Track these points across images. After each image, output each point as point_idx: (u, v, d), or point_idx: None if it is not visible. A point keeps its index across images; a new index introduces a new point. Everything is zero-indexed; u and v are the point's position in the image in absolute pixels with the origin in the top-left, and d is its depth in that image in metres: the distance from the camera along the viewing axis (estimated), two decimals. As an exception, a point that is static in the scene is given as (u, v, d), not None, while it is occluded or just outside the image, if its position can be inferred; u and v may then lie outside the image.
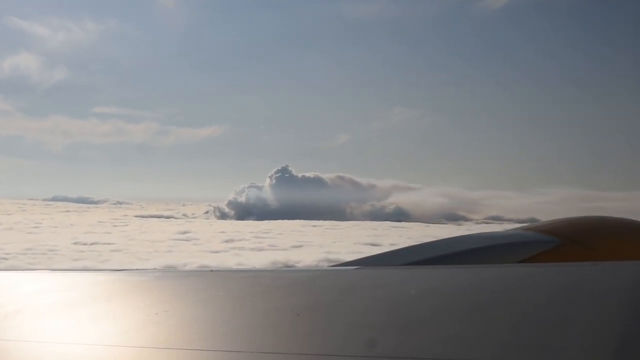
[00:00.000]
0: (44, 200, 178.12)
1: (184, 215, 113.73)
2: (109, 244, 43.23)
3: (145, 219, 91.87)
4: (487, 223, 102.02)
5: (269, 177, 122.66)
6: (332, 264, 3.69)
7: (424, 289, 2.40)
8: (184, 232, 54.49)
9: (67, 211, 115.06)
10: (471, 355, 1.54)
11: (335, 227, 70.89)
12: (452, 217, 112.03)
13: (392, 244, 47.02)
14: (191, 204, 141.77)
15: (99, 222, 77.46)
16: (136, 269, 3.44)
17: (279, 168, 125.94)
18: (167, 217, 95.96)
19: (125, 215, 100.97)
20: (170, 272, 3.69)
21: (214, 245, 43.77)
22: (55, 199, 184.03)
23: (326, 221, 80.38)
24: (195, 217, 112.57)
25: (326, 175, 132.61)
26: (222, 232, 55.53)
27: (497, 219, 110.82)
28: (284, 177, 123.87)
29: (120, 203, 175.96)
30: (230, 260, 32.04)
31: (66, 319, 2.18)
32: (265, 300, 2.34)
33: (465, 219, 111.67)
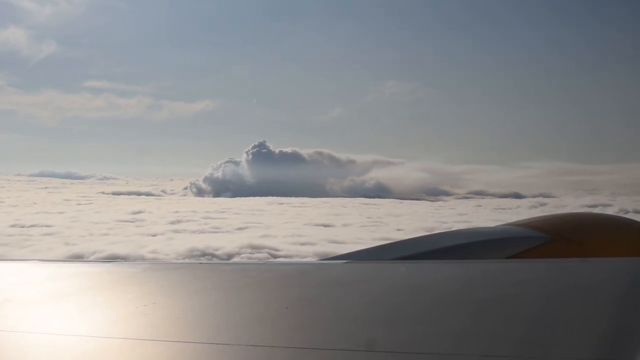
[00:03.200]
0: (30, 175, 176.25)
1: (162, 191, 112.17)
2: (47, 226, 41.50)
3: (118, 196, 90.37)
4: (467, 198, 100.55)
5: (246, 152, 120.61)
6: (321, 258, 3.56)
7: (413, 283, 2.39)
8: (137, 212, 52.92)
9: (46, 187, 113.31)
10: (461, 350, 1.55)
11: (302, 205, 69.31)
12: (434, 192, 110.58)
13: (344, 224, 45.66)
14: (180, 179, 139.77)
15: (65, 200, 75.85)
16: (125, 261, 3.51)
17: (256, 143, 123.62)
18: (139, 194, 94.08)
19: (100, 192, 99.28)
20: (159, 263, 3.69)
21: (157, 227, 42.08)
22: (41, 174, 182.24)
23: (297, 198, 78.92)
24: (173, 194, 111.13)
25: (304, 151, 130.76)
26: (176, 211, 53.92)
27: (479, 193, 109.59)
28: (261, 152, 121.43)
29: (107, 178, 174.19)
30: (152, 247, 30.27)
31: (54, 310, 2.16)
32: (254, 293, 2.32)
33: (447, 194, 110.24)
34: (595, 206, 62.63)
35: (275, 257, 28.20)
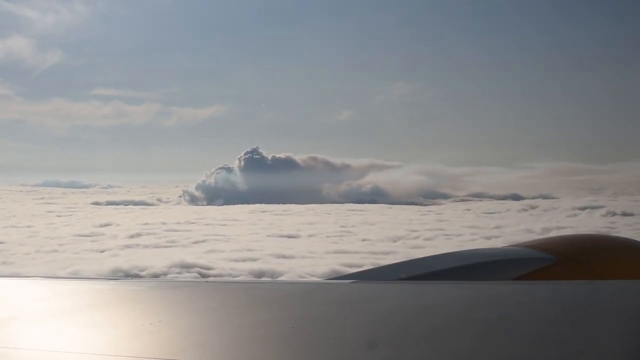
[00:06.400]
0: (33, 185, 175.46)
1: (158, 200, 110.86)
2: (-1, 242, 39.98)
3: (104, 206, 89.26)
4: (465, 201, 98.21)
5: (238, 158, 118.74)
6: (327, 277, 2.34)
7: (419, 304, 2.39)
8: (105, 225, 51.36)
9: (42, 198, 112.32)
10: None
11: (285, 212, 67.54)
12: (432, 195, 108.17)
13: (310, 235, 43.75)
14: (186, 186, 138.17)
15: (49, 211, 74.69)
16: (131, 278, 3.71)
17: (249, 149, 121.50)
18: (126, 204, 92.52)
19: (94, 202, 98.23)
20: (165, 281, 3.72)
21: (113, 242, 40.36)
22: (45, 184, 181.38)
23: (285, 205, 77.10)
24: (168, 202, 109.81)
25: (298, 156, 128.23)
26: (146, 223, 52.29)
27: (479, 195, 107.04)
28: (253, 158, 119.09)
29: (111, 187, 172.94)
30: (78, 267, 28.52)
31: (59, 327, 2.16)
32: (260, 311, 2.31)
33: (446, 197, 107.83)
34: (584, 208, 60.11)
35: (204, 276, 26.34)
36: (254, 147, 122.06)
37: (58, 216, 66.92)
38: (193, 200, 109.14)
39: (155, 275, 26.41)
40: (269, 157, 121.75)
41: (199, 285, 3.20)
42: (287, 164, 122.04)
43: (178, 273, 26.66)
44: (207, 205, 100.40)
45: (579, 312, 2.11)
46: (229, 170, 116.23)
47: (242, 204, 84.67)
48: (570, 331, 1.84)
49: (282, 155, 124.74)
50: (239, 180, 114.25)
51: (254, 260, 29.92)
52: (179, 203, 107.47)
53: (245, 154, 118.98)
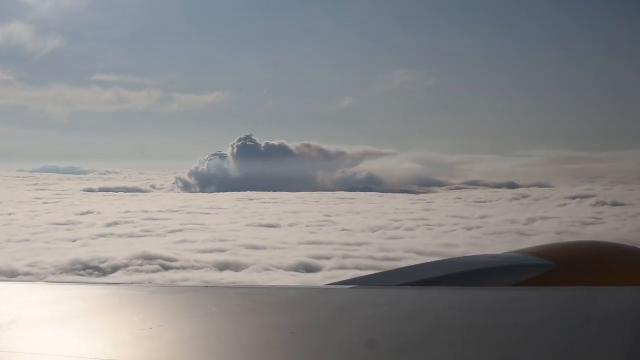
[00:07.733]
0: (31, 171, 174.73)
1: (152, 186, 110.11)
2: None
3: (93, 192, 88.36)
4: (460, 189, 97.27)
5: (231, 145, 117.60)
6: (327, 283, 3.45)
7: (418, 309, 2.40)
8: (85, 213, 50.52)
9: (35, 184, 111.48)
10: None
11: (272, 200, 66.71)
12: (427, 183, 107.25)
13: (290, 224, 42.89)
14: (183, 172, 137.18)
15: (36, 198, 73.86)
16: (131, 283, 3.65)
17: (242, 136, 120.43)
18: (116, 190, 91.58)
19: (87, 189, 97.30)
20: (165, 286, 3.70)
21: (88, 230, 39.55)
22: (43, 169, 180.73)
23: (275, 192, 76.21)
24: (162, 188, 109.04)
25: (292, 144, 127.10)
26: (127, 211, 51.43)
27: (475, 183, 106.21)
28: (246, 145, 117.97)
29: (108, 173, 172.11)
30: (35, 259, 27.59)
31: (60, 331, 2.16)
32: (260, 317, 2.32)
33: (441, 185, 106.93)
34: (574, 197, 59.09)
35: (167, 268, 25.54)
36: (247, 133, 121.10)
37: (44, 203, 66.02)
38: (186, 187, 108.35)
39: (116, 267, 25.65)
40: (262, 144, 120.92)
41: (199, 290, 3.17)
42: (281, 151, 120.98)
43: (139, 265, 25.79)
44: (199, 192, 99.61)
45: (579, 318, 2.11)
46: (222, 157, 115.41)
47: (233, 191, 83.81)
48: (569, 337, 1.85)
49: (276, 142, 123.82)
50: (231, 167, 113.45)
51: (222, 251, 29.04)
52: (171, 190, 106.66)
53: (238, 141, 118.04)
